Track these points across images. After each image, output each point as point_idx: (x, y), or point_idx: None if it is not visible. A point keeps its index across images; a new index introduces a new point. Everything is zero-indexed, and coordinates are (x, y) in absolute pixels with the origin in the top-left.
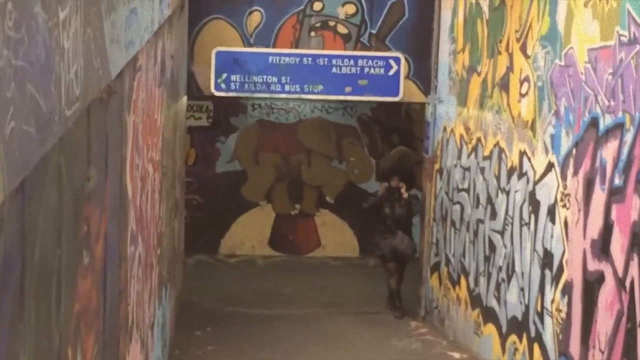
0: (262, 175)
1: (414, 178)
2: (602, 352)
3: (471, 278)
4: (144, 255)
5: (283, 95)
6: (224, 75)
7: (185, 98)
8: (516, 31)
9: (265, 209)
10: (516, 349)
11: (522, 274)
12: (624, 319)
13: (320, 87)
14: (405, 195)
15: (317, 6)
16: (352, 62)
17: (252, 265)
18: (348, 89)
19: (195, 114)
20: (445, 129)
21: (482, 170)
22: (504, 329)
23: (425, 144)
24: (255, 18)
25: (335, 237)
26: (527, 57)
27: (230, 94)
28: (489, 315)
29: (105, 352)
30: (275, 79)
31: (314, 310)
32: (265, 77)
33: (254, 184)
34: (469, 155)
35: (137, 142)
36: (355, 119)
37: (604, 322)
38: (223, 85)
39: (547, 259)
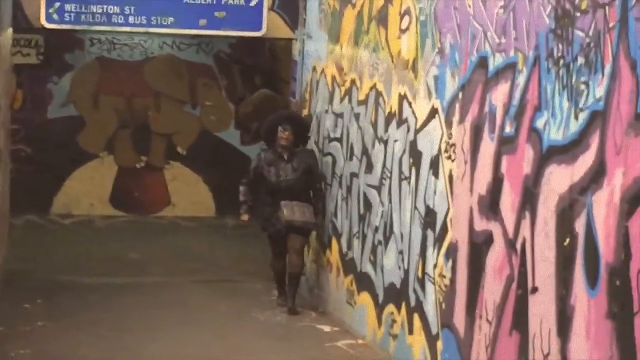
0: (102, 122)
1: (308, 129)
2: (490, 323)
3: (344, 240)
4: None
5: (126, 29)
6: (57, 5)
7: (10, 31)
8: None
9: (106, 161)
10: (394, 321)
11: (401, 235)
12: (514, 285)
13: (171, 19)
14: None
15: None
16: None
17: (91, 226)
18: (203, 21)
19: (22, 49)
20: (314, 69)
21: (357, 116)
22: (381, 298)
23: (291, 87)
24: None
25: (188, 193)
26: None
27: (64, 27)
28: (364, 283)
29: None
30: (117, 9)
31: (163, 278)
32: (105, 6)
33: (93, 131)
34: (341, 100)
35: None
36: (211, 57)
37: (492, 289)
38: (55, 16)
39: (429, 217)
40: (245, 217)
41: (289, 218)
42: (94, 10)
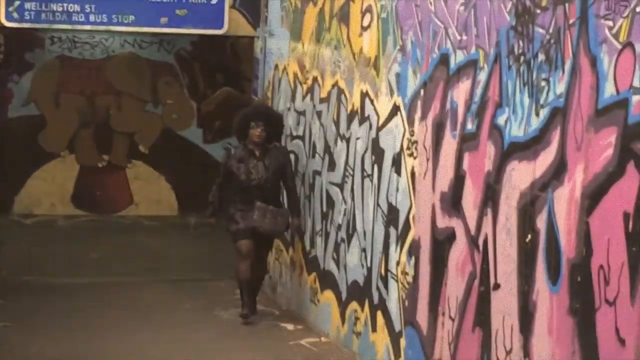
0: (64, 121)
1: (282, 126)
2: (453, 320)
3: (307, 238)
4: None
5: (87, 27)
6: (17, 3)
7: None
8: None
9: (68, 160)
10: (357, 318)
11: (364, 232)
12: (476, 282)
13: (132, 17)
14: None
15: None
16: None
17: (53, 226)
18: (164, 19)
19: None
20: (277, 67)
21: (319, 114)
22: (344, 296)
23: (254, 85)
24: None
25: (150, 193)
26: None
27: (24, 25)
28: (327, 281)
29: None
30: (77, 8)
31: (126, 278)
32: (65, 5)
33: (54, 131)
34: (304, 98)
35: None
36: (172, 55)
37: (454, 286)
38: (15, 15)
39: (391, 215)
40: (212, 221)
41: (257, 224)
42: (55, 9)
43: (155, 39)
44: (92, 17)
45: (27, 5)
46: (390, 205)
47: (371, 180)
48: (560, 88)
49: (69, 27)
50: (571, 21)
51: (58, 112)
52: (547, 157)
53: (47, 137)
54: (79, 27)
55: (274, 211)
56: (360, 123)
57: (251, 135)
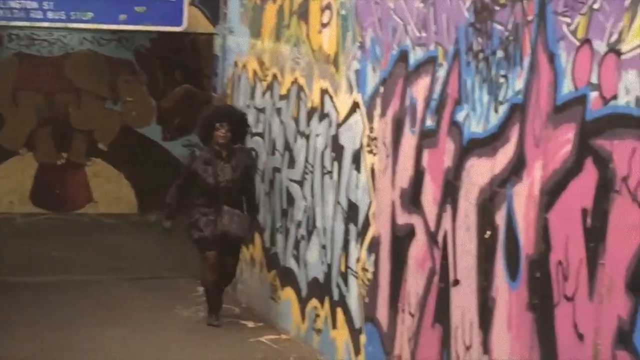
0: (22, 119)
1: (247, 126)
2: (413, 316)
3: (267, 235)
4: None
5: (45, 24)
6: None
7: None
8: None
9: (26, 158)
10: (317, 315)
11: (324, 229)
12: (436, 278)
13: (90, 14)
14: None
15: None
16: None
17: (11, 224)
18: (123, 16)
19: None
20: (236, 64)
21: (279, 111)
22: (304, 293)
23: (213, 82)
24: None
25: (110, 190)
26: None
27: None
28: (287, 278)
29: None
30: (35, 5)
31: (87, 276)
32: (23, 1)
33: (12, 128)
34: (263, 94)
35: None
36: (132, 52)
37: (414, 282)
38: None
39: (351, 212)
40: (167, 224)
41: (226, 228)
42: (12, 6)
43: (114, 36)
44: (50, 14)
45: None
46: (350, 202)
47: (331, 177)
48: (519, 85)
49: (27, 24)
50: (529, 18)
51: (16, 110)
52: (506, 154)
53: (5, 135)
54: (37, 24)
55: (240, 215)
56: (320, 120)
57: (216, 137)
